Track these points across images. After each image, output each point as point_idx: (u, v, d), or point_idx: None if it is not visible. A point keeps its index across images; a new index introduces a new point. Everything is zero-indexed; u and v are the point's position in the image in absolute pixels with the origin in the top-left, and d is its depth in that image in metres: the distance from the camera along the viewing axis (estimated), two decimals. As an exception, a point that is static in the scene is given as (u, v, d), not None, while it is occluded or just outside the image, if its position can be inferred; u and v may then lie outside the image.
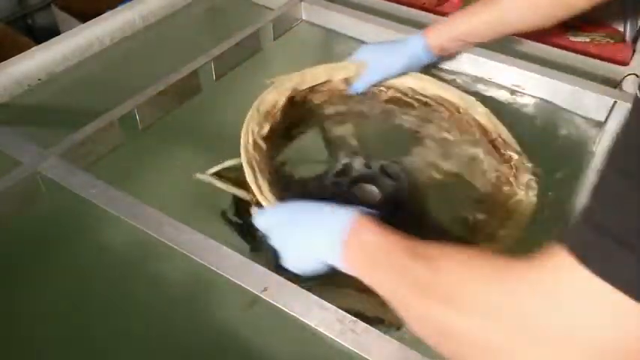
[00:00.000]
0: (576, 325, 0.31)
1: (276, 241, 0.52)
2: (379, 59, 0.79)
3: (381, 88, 0.80)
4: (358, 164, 0.69)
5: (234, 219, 0.65)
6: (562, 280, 0.32)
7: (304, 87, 0.76)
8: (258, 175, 0.60)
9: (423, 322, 0.41)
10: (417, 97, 0.80)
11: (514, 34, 0.77)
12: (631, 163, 0.30)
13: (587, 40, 0.95)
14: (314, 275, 0.51)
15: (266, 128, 0.67)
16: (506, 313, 0.34)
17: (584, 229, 0.31)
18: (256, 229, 0.55)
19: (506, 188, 0.67)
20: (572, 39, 0.95)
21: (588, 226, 0.31)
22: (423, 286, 0.40)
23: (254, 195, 0.59)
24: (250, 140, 0.64)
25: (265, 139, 0.66)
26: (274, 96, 0.70)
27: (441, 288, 0.39)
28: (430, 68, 0.84)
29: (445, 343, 0.39)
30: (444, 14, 0.99)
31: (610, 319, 0.30)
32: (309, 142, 0.78)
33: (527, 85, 0.83)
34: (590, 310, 0.30)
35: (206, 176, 0.66)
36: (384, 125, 0.80)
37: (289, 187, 0.65)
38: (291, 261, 0.51)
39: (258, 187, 0.59)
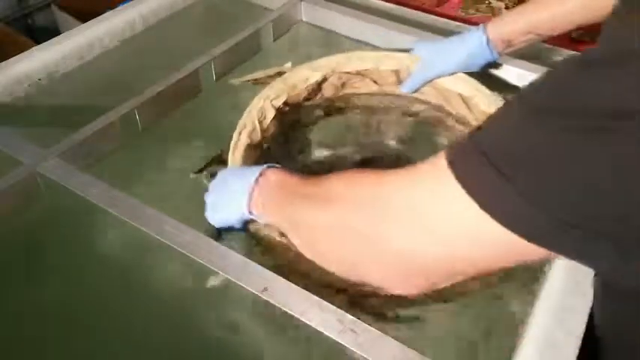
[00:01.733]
0: (432, 218, 0.35)
1: (208, 197, 0.57)
2: (434, 56, 0.73)
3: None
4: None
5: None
6: (434, 183, 0.35)
7: (345, 69, 0.68)
8: (243, 137, 0.57)
9: (304, 228, 0.44)
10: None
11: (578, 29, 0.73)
12: (529, 94, 0.34)
13: (587, 39, 0.95)
14: (231, 229, 0.55)
15: (282, 99, 0.62)
16: (376, 203, 0.38)
17: (465, 143, 0.34)
18: None
19: None
20: (575, 37, 0.96)
21: (469, 141, 0.33)
22: (310, 197, 0.44)
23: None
24: (260, 104, 0.58)
25: (277, 110, 0.60)
26: (306, 72, 0.64)
27: (323, 194, 0.43)
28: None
29: (318, 239, 0.43)
30: (443, 15, 0.99)
31: (461, 226, 0.33)
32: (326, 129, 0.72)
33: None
34: (447, 212, 0.34)
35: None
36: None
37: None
38: (211, 215, 0.56)
39: (235, 146, 0.57)
